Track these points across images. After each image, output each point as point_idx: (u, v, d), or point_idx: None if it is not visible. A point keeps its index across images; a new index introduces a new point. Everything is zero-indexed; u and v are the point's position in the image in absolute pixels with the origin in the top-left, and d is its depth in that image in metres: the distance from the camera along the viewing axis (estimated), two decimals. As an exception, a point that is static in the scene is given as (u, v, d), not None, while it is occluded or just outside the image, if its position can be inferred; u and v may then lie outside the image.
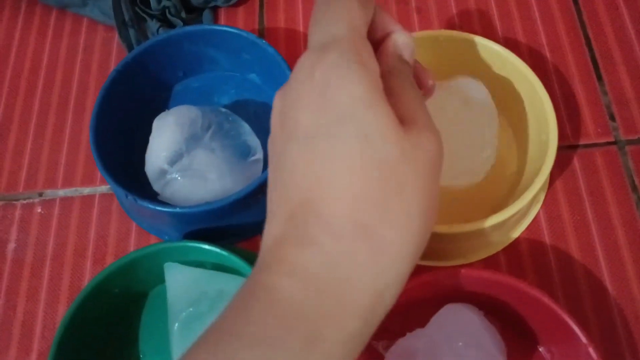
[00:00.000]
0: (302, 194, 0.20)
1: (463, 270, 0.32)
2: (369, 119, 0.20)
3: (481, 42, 0.38)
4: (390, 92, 0.22)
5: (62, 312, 0.39)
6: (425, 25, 0.46)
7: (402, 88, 0.23)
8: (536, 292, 0.31)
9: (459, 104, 0.37)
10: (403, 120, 0.21)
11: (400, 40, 0.25)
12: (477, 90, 0.37)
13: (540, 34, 0.45)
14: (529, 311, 0.33)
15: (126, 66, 0.40)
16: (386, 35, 0.26)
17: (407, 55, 0.26)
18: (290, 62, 0.46)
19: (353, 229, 0.20)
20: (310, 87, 0.21)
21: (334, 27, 0.22)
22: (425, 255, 0.37)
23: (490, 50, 0.38)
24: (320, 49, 0.21)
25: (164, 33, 0.41)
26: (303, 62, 0.22)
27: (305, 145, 0.20)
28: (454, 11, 0.46)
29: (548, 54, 0.44)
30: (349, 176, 0.20)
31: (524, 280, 0.31)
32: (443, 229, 0.33)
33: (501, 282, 0.32)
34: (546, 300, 0.30)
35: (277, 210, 0.21)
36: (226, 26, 0.41)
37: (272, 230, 0.21)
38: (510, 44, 0.44)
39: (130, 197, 0.35)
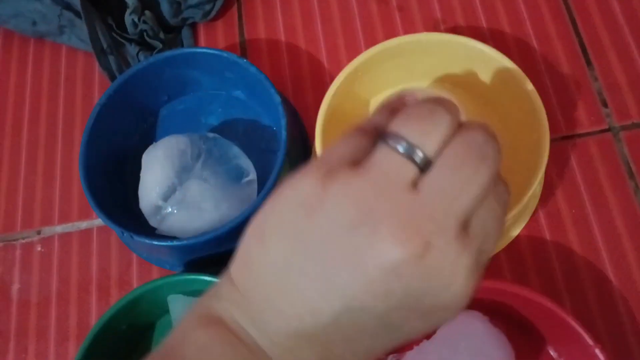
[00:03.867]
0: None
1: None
2: None
3: (466, 42, 0.37)
4: None
5: (72, 349, 0.40)
6: (408, 23, 0.45)
7: None
8: (540, 298, 0.31)
9: None
10: None
11: None
12: None
13: (526, 24, 0.44)
14: (534, 314, 0.33)
15: (109, 99, 0.40)
16: None
17: None
18: (275, 73, 0.45)
19: None
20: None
21: None
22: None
23: (476, 50, 0.37)
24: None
25: (143, 61, 0.40)
26: None
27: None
28: (437, 7, 0.45)
29: (535, 44, 0.43)
30: None
31: (526, 287, 0.31)
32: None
33: (504, 290, 0.32)
34: (550, 305, 0.30)
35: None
36: (205, 48, 0.40)
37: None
38: (496, 36, 0.44)
39: (126, 234, 0.35)
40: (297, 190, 0.20)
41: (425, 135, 0.20)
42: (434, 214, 0.19)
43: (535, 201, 0.39)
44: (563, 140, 0.40)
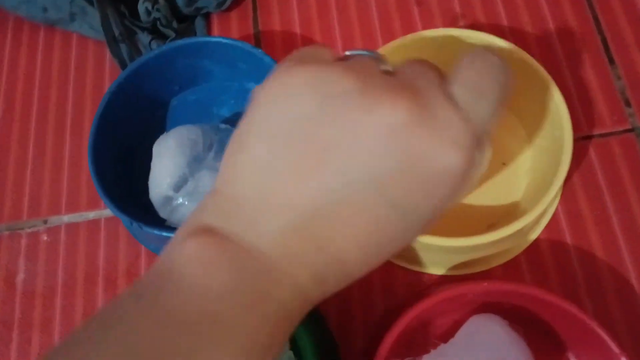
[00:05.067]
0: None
1: (486, 284, 0.31)
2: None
3: (483, 38, 0.36)
4: None
5: (78, 342, 0.39)
6: (427, 18, 0.44)
7: None
8: (564, 303, 0.30)
9: None
10: None
11: None
12: None
13: (547, 19, 0.43)
14: (556, 319, 0.32)
15: (119, 87, 0.39)
16: None
17: None
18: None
19: None
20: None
21: None
22: (446, 266, 0.37)
23: (495, 47, 0.36)
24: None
25: (155, 49, 0.39)
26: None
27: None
28: (456, 1, 0.44)
29: (557, 40, 0.42)
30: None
31: (550, 292, 0.30)
32: (464, 242, 0.31)
33: (527, 294, 0.30)
34: (575, 310, 0.29)
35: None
36: (219, 37, 0.39)
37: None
38: (516, 32, 0.43)
39: (135, 224, 0.35)
40: (265, 90, 0.20)
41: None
42: (419, 85, 0.20)
43: (556, 201, 0.38)
44: (585, 139, 0.39)
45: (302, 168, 0.19)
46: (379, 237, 0.20)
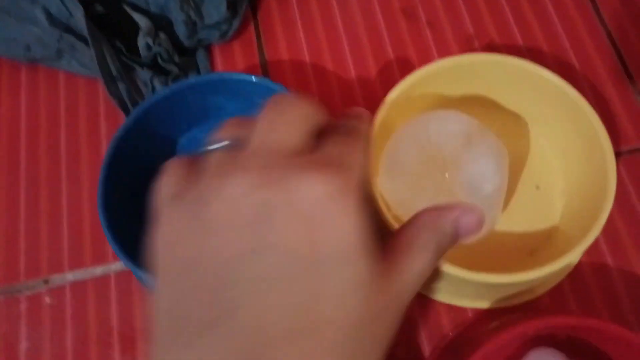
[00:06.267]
0: None
1: (547, 319, 0.29)
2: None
3: (509, 61, 0.35)
4: None
5: (97, 415, 0.35)
6: (439, 40, 0.43)
7: None
8: (621, 330, 0.29)
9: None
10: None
11: None
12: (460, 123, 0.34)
13: (562, 37, 0.42)
14: (613, 348, 0.31)
15: (128, 132, 0.36)
16: None
17: None
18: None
19: None
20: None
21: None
22: (492, 299, 0.35)
23: (520, 69, 0.35)
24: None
25: (166, 89, 0.36)
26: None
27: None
28: (468, 21, 0.43)
29: (574, 58, 0.42)
30: None
31: (612, 323, 0.29)
32: (518, 277, 0.30)
33: (591, 327, 0.29)
34: (629, 335, 0.28)
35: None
36: (235, 73, 0.37)
37: None
38: (534, 52, 0.42)
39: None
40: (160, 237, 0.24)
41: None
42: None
43: (595, 223, 0.37)
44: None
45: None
46: None
